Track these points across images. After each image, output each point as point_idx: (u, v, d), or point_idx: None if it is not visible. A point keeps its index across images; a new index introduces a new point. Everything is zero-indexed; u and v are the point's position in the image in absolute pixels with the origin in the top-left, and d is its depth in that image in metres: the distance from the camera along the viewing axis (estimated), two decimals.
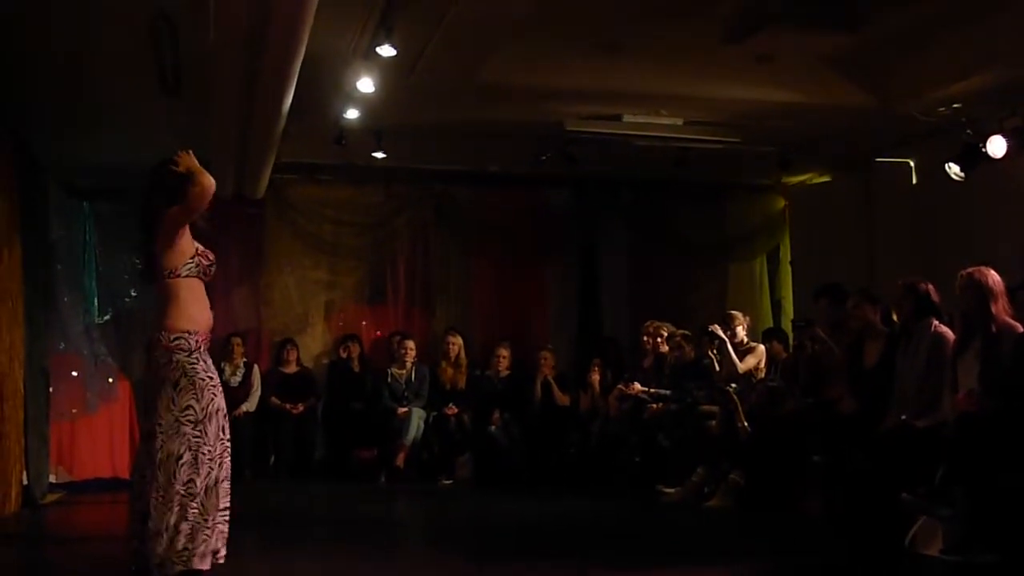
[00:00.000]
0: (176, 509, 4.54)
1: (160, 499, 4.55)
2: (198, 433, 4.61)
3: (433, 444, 9.82)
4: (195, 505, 4.57)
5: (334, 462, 10.07)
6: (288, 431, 9.90)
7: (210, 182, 4.68)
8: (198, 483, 4.58)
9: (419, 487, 9.44)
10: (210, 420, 4.66)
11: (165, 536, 4.53)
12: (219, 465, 4.69)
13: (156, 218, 4.75)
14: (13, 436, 7.56)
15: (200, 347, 4.74)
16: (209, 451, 4.64)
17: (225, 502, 4.73)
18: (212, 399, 4.69)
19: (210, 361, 4.81)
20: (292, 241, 10.53)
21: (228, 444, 4.78)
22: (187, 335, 4.69)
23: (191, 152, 4.78)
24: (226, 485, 4.74)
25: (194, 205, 4.70)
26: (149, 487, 4.58)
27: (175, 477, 4.56)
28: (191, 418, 4.61)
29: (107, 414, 9.53)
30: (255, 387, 9.98)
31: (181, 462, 4.56)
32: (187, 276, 4.76)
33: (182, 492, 4.56)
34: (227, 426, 4.79)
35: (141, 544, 4.59)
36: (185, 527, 4.55)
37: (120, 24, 6.02)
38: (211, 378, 4.73)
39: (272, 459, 9.93)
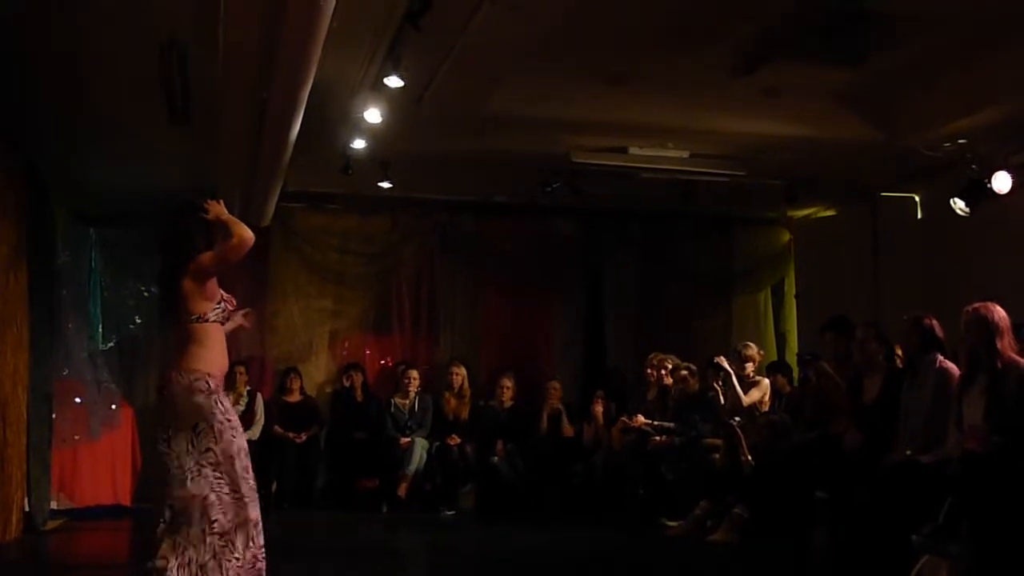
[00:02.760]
0: (203, 548, 4.51)
1: (186, 537, 4.52)
2: (219, 475, 4.57)
3: (436, 474, 9.77)
4: (222, 543, 4.54)
5: (336, 491, 10.04)
6: (291, 460, 9.85)
7: (250, 236, 4.67)
8: (223, 522, 4.54)
9: (421, 517, 9.40)
10: (232, 462, 4.62)
11: (187, 572, 4.49)
12: (247, 505, 4.62)
13: (185, 263, 4.70)
14: (15, 462, 7.55)
15: (218, 389, 4.72)
16: (231, 491, 4.60)
17: (260, 540, 4.67)
18: (232, 441, 4.64)
19: (228, 403, 4.77)
20: (297, 269, 10.56)
21: (254, 482, 4.73)
22: (207, 377, 4.66)
23: (221, 201, 4.77)
24: (257, 524, 4.68)
25: (230, 256, 4.69)
26: (172, 525, 4.54)
27: (201, 517, 4.53)
28: (211, 460, 4.57)
29: (109, 441, 9.50)
30: (258, 416, 9.93)
31: (207, 503, 4.53)
32: (213, 321, 4.77)
33: (208, 531, 4.52)
34: (249, 465, 4.72)
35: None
36: (213, 563, 4.51)
37: (130, 51, 6.06)
38: (229, 420, 4.68)
39: (274, 488, 9.85)
